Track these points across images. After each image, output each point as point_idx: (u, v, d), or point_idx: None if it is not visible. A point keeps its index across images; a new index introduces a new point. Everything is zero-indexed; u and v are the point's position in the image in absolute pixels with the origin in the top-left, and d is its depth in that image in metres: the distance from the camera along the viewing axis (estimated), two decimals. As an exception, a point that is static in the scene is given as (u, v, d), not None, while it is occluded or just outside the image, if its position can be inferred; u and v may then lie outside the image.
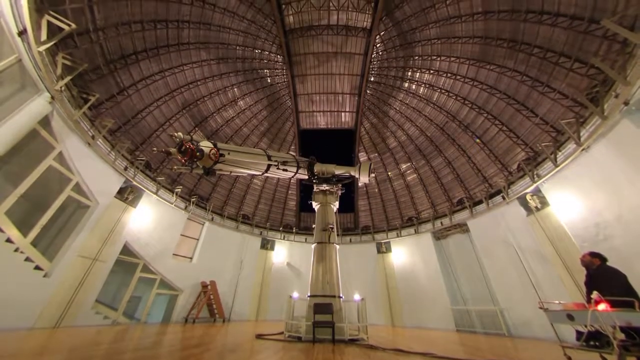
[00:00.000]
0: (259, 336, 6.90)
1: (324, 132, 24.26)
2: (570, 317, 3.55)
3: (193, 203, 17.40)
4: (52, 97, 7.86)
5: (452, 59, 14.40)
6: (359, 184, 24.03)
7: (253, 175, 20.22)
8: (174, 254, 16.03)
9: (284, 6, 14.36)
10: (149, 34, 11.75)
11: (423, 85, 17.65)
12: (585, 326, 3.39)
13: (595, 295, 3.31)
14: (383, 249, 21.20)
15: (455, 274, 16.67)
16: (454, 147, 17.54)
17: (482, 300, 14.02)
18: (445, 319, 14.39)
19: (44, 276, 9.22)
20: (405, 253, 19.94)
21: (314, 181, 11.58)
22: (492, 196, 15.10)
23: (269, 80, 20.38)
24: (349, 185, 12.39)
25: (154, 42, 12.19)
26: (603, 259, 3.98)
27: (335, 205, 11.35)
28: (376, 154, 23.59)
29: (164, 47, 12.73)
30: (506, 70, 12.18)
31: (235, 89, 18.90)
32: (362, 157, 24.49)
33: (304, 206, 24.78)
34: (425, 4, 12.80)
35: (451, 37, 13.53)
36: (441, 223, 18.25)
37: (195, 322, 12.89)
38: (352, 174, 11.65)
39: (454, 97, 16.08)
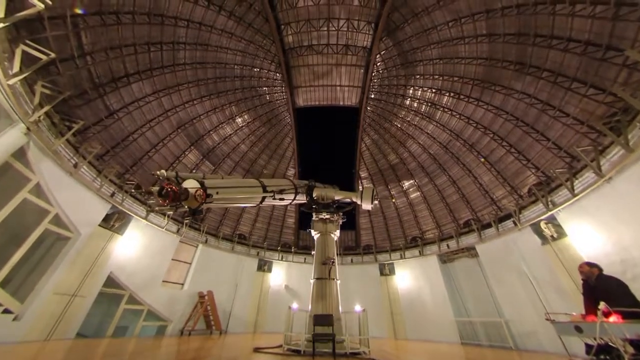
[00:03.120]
0: (257, 349, 6.76)
1: (324, 147, 23.86)
2: (579, 329, 3.41)
3: (186, 225, 16.51)
4: (28, 128, 7.21)
5: (455, 78, 14.03)
6: (359, 187, 23.06)
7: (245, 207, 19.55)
8: (163, 281, 14.95)
9: (283, 27, 14.15)
10: (142, 56, 11.36)
11: (425, 103, 17.26)
12: (595, 339, 3.25)
13: (602, 306, 3.17)
14: (386, 271, 20.07)
15: (462, 297, 15.59)
16: (459, 166, 16.90)
17: (488, 315, 13.04)
18: (449, 331, 13.81)
19: (14, 319, 8.25)
20: (410, 276, 18.81)
21: (313, 207, 10.76)
22: (501, 220, 14.28)
23: (267, 98, 20.06)
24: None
25: (148, 63, 11.79)
26: (600, 269, 3.91)
27: (336, 235, 10.51)
28: (377, 170, 22.96)
29: (158, 68, 12.34)
30: (513, 92, 11.73)
31: (233, 107, 18.50)
32: (363, 173, 23.83)
33: (304, 224, 23.88)
34: (427, 25, 12.56)
35: (454, 57, 13.21)
36: (447, 246, 17.29)
37: (191, 334, 12.38)
38: (354, 200, 10.86)
39: (458, 116, 15.61)
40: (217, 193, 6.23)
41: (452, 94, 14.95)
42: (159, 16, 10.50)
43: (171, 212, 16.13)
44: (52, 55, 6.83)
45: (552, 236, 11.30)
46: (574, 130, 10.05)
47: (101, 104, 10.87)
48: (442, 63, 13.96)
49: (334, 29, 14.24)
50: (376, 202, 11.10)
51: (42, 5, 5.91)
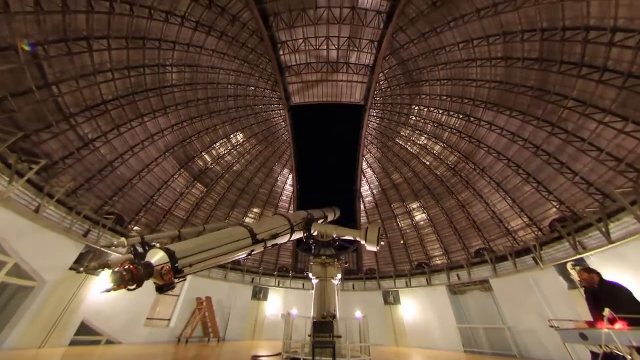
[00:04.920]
0: (256, 357, 6.78)
1: (324, 165, 22.79)
2: (584, 337, 3.37)
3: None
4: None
5: (466, 100, 12.99)
6: (361, 205, 22.16)
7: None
8: (148, 319, 13.51)
9: (279, 45, 13.18)
10: (121, 82, 10.27)
11: (432, 123, 16.20)
12: (600, 347, 3.17)
13: (607, 312, 3.08)
14: (391, 299, 18.60)
15: (476, 336, 14.18)
16: (469, 191, 15.71)
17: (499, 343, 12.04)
18: (452, 339, 13.42)
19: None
20: (416, 307, 17.33)
21: (312, 245, 9.40)
22: (519, 254, 12.98)
23: (264, 116, 19.03)
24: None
25: (129, 88, 10.69)
26: (600, 275, 3.81)
27: (337, 280, 9.17)
28: (380, 190, 21.78)
29: (142, 92, 11.27)
30: (532, 119, 10.66)
31: (227, 126, 17.42)
32: (365, 192, 22.63)
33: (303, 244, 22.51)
34: (435, 45, 11.59)
35: (464, 79, 12.20)
36: (458, 276, 15.91)
37: (188, 342, 11.99)
38: (358, 239, 9.53)
39: (468, 139, 14.52)
40: (190, 266, 4.83)
41: (461, 116, 13.89)
42: (140, 39, 9.50)
43: (156, 244, 14.98)
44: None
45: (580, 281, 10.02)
46: (606, 166, 8.91)
47: (73, 135, 9.73)
48: (450, 84, 12.97)
49: (334, 47, 13.31)
50: (383, 243, 9.79)
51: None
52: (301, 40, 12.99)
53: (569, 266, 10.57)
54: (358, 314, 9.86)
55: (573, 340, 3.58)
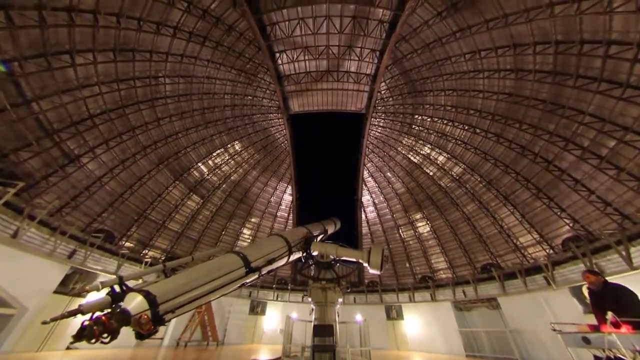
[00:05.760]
0: None
1: (324, 174, 22.23)
2: (587, 341, 3.26)
3: (167, 272, 14.51)
4: None
5: (472, 111, 12.45)
6: (362, 215, 21.52)
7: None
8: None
9: (277, 54, 12.71)
10: (110, 95, 9.73)
11: (435, 133, 15.65)
12: (603, 350, 3.10)
13: (610, 316, 3.02)
14: (393, 314, 17.93)
15: (479, 345, 13.54)
16: (475, 204, 15.11)
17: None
18: (453, 342, 13.25)
19: None
20: (420, 322, 16.62)
21: (310, 265, 8.74)
22: (528, 272, 12.34)
23: (263, 124, 18.52)
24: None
25: (118, 101, 10.15)
26: (604, 278, 3.80)
27: (338, 304, 8.54)
28: (382, 197, 21.17)
29: (133, 104, 10.74)
30: (543, 133, 10.10)
31: (223, 136, 16.88)
32: (366, 202, 22.00)
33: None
34: (440, 55, 11.08)
35: (470, 89, 11.67)
36: (464, 292, 15.24)
37: (187, 345, 11.78)
38: (360, 260, 8.87)
39: (473, 151, 13.96)
40: (173, 312, 4.17)
41: (466, 127, 13.35)
42: (129, 51, 9.00)
43: (148, 260, 14.30)
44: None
45: (597, 305, 9.40)
46: (626, 186, 8.33)
47: (57, 152, 9.16)
48: (455, 95, 12.45)
49: (334, 56, 12.90)
50: (387, 266, 9.17)
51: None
52: (300, 50, 12.51)
53: (585, 289, 9.98)
54: (358, 317, 9.45)
55: (575, 344, 3.53)
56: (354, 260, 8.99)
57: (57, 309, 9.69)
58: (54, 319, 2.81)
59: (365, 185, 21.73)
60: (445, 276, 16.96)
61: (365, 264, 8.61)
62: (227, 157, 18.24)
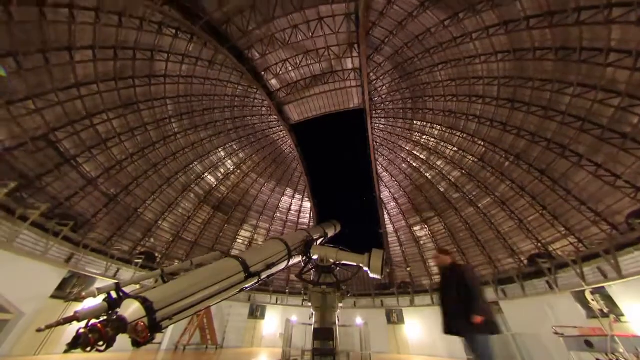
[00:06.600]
0: None
1: (338, 175, 21.73)
2: (589, 344, 3.37)
3: (163, 276, 14.38)
4: None
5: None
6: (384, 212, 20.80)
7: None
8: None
9: (263, 73, 13.20)
10: (104, 125, 9.90)
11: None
12: (606, 354, 3.14)
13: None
14: (394, 318, 17.76)
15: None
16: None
17: None
18: (455, 346, 12.84)
19: None
20: (421, 327, 16.46)
21: (310, 268, 8.62)
22: (528, 276, 12.27)
23: (272, 137, 18.97)
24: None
25: (111, 131, 10.28)
26: (453, 257, 3.51)
27: (338, 309, 8.41)
28: (403, 193, 20.16)
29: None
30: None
31: (233, 144, 17.26)
32: (386, 198, 21.10)
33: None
34: (417, 30, 10.69)
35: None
36: (465, 296, 15.08)
37: (185, 349, 11.83)
38: (360, 265, 8.75)
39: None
40: (171, 319, 4.05)
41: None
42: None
43: (139, 261, 14.10)
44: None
45: (601, 310, 9.29)
46: (623, 192, 8.24)
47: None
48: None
49: (314, 61, 13.08)
50: (388, 270, 9.05)
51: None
52: (281, 64, 12.90)
53: (588, 294, 9.87)
54: (359, 320, 9.84)
55: (578, 347, 3.55)
56: (354, 264, 8.88)
57: (53, 314, 9.56)
58: (49, 327, 2.73)
59: (382, 181, 20.44)
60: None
61: (366, 269, 8.50)
62: (233, 167, 18.21)
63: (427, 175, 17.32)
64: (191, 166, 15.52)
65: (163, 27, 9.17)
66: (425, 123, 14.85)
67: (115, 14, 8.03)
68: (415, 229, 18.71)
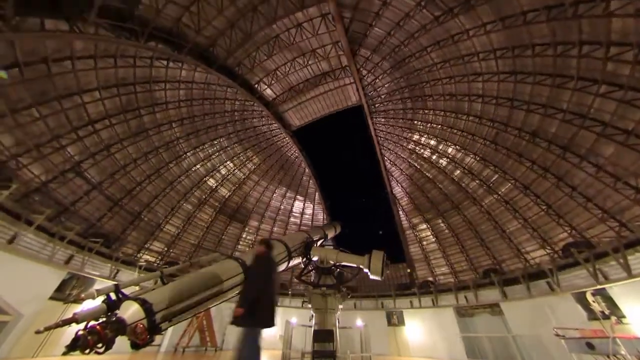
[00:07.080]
0: None
1: (349, 175, 21.55)
2: (590, 346, 3.30)
3: (162, 277, 14.33)
4: None
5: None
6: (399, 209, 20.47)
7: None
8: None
9: (256, 85, 13.35)
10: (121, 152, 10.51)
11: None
12: (608, 356, 3.12)
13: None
14: (394, 320, 17.64)
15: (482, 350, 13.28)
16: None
17: None
18: (456, 348, 13.17)
19: None
20: (422, 328, 16.35)
21: (310, 269, 8.59)
22: (531, 277, 12.21)
23: (279, 144, 19.09)
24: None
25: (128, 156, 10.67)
26: (269, 249, 3.41)
27: (338, 311, 8.36)
28: (415, 188, 18.79)
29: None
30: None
31: (240, 156, 17.65)
32: (399, 194, 20.63)
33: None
34: (423, 44, 10.69)
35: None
36: (465, 298, 15.05)
37: (184, 351, 11.74)
38: (360, 266, 8.70)
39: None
40: (170, 321, 4.02)
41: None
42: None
43: (142, 263, 14.10)
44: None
45: (602, 312, 9.24)
46: (622, 195, 8.24)
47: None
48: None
49: (301, 66, 13.22)
50: (388, 271, 9.00)
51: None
52: (272, 74, 13.05)
53: (589, 295, 9.83)
54: (359, 322, 9.77)
55: (579, 349, 3.48)
56: (354, 265, 8.83)
57: (52, 316, 9.53)
58: (47, 328, 2.71)
59: (392, 176, 19.84)
60: (447, 281, 16.76)
61: (366, 270, 8.44)
62: (262, 190, 18.99)
63: (440, 163, 16.36)
64: (204, 179, 16.44)
65: (154, 60, 9.96)
66: (427, 111, 14.53)
67: (109, 57, 8.99)
68: (430, 224, 17.99)
